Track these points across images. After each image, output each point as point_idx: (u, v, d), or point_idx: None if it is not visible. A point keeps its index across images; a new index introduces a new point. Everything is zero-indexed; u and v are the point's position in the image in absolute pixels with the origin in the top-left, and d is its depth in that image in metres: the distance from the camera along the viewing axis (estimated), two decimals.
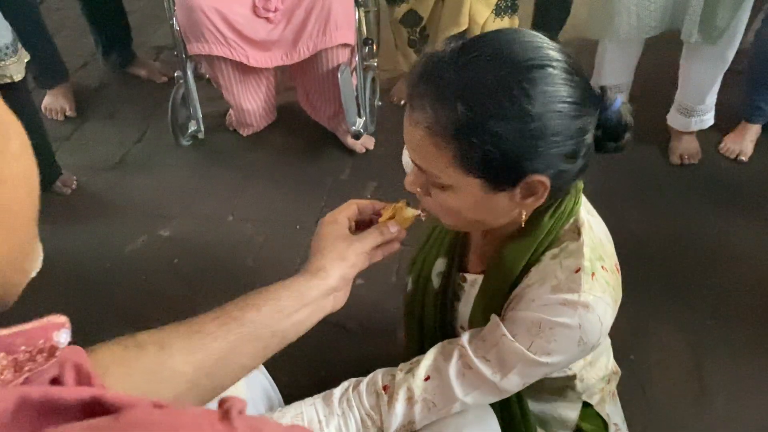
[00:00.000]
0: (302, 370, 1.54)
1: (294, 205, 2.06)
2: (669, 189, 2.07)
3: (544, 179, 0.74)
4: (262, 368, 1.05)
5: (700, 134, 2.16)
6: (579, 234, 0.83)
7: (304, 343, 1.62)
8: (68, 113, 2.48)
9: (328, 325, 1.67)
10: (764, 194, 2.03)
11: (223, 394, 0.93)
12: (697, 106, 2.07)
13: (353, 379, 0.92)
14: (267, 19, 1.97)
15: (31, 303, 1.81)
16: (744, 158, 2.15)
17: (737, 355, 1.56)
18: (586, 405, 1.10)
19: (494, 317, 0.86)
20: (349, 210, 0.87)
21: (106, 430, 0.28)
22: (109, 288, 1.81)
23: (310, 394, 0.92)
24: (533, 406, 1.06)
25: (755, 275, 1.76)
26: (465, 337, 0.87)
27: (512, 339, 0.80)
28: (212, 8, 1.89)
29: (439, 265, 1.03)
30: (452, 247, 1.02)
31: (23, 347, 0.33)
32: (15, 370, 0.33)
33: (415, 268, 1.08)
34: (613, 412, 1.16)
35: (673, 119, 2.16)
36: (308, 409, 0.87)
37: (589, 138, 0.75)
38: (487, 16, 2.12)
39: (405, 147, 1.07)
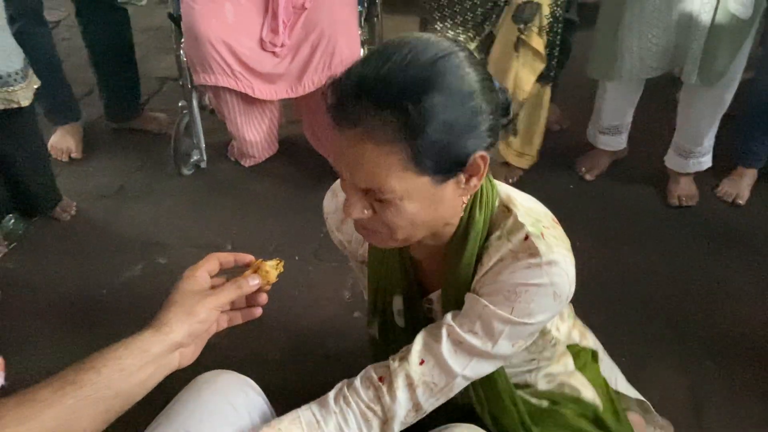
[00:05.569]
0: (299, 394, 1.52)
1: (293, 236, 2.06)
2: (666, 230, 2.09)
3: (485, 153, 0.78)
4: (257, 388, 1.03)
5: (698, 177, 2.19)
6: (509, 210, 0.89)
7: (302, 369, 1.61)
8: (73, 155, 2.40)
9: (324, 352, 1.67)
10: (761, 238, 2.04)
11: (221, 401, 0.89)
12: (695, 147, 2.10)
13: (345, 380, 0.93)
14: (273, 53, 2.00)
15: (26, 327, 1.76)
16: (741, 202, 2.17)
17: (736, 396, 1.56)
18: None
19: (469, 295, 0.89)
20: (209, 264, 0.84)
21: None
22: (105, 315, 1.79)
23: None
24: (544, 393, 1.10)
25: (753, 318, 1.76)
26: (448, 317, 0.89)
27: (494, 308, 0.85)
28: (220, 40, 1.92)
29: (397, 303, 1.05)
30: (405, 281, 1.02)
31: None
32: None
33: (377, 311, 1.10)
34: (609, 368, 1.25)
35: (671, 161, 2.18)
36: (304, 413, 0.89)
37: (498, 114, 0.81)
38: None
39: (328, 223, 1.09)
